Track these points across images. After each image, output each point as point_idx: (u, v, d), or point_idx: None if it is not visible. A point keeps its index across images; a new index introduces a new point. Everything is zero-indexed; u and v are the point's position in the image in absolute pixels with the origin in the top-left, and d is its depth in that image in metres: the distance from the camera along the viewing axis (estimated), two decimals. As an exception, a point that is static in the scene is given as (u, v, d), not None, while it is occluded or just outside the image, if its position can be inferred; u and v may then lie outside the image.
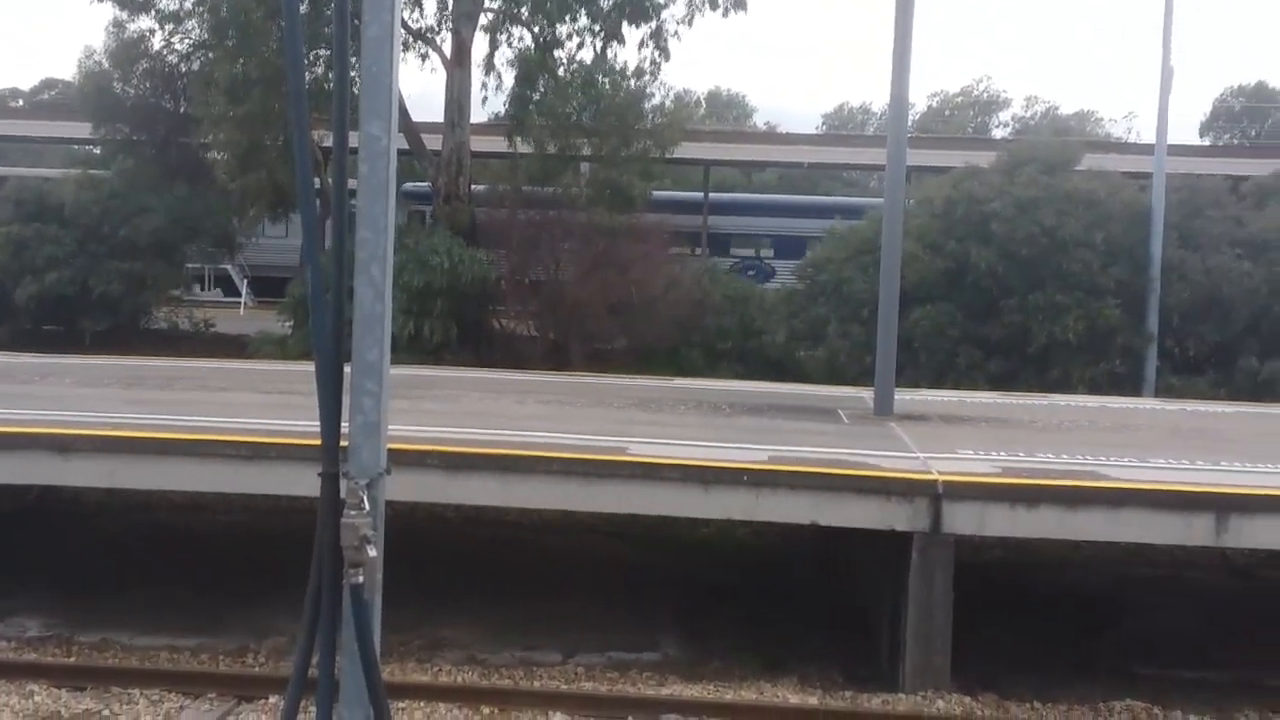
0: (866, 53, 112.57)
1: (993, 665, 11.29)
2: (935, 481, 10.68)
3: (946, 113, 68.00)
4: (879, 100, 71.34)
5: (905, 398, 15.95)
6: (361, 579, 4.89)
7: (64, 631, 11.87)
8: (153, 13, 27.08)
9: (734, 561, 15.17)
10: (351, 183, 5.04)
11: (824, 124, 71.94)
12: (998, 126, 66.45)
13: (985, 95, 68.87)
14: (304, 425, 11.31)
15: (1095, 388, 21.21)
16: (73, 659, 10.92)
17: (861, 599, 13.15)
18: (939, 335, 22.06)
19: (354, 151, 4.94)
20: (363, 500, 4.90)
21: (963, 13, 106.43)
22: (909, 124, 17.04)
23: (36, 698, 9.60)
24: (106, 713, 9.44)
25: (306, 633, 5.07)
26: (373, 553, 4.91)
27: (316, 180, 14.82)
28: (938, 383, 21.00)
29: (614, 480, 10.83)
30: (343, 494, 4.94)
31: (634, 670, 11.12)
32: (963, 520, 10.60)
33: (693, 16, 25.33)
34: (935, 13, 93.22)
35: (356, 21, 4.99)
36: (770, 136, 48.72)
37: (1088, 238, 22.08)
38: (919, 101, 65.95)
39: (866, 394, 15.94)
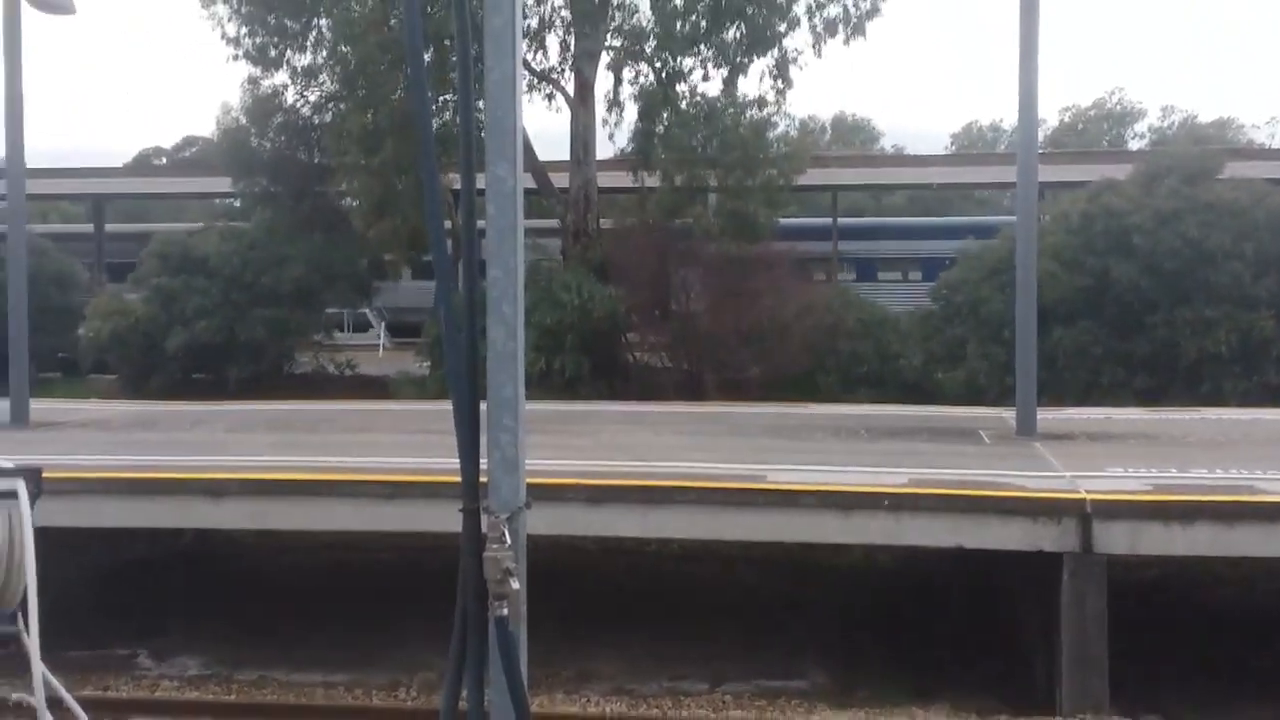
0: (994, 70, 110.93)
1: (1154, 687, 10.94)
2: (1084, 500, 10.41)
3: (1079, 127, 66.50)
4: (1009, 117, 70.21)
5: (1049, 417, 15.59)
6: (506, 611, 4.93)
7: (223, 670, 12.22)
8: (285, 68, 27.87)
9: (877, 587, 14.96)
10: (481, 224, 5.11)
11: (953, 144, 70.98)
12: (1133, 138, 64.72)
13: (1119, 107, 67.19)
14: (445, 463, 11.54)
15: (1249, 401, 20.48)
16: (233, 696, 11.22)
17: (1012, 622, 12.85)
18: (1082, 353, 21.57)
19: (481, 193, 5.02)
20: (504, 534, 4.95)
21: (1091, 25, 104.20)
22: (1040, 139, 16.74)
23: (200, 734, 9.90)
24: (266, 748, 9.68)
25: (454, 667, 5.12)
26: (516, 585, 4.94)
27: (448, 223, 15.13)
28: (1083, 401, 20.50)
29: (752, 508, 10.79)
30: (484, 529, 4.99)
31: (782, 698, 11.03)
32: (1114, 539, 10.31)
33: (819, 44, 25.36)
34: (1063, 26, 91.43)
35: (480, 66, 5.08)
36: (898, 159, 48.26)
37: (1235, 248, 21.39)
38: (1050, 117, 64.57)
39: (1008, 414, 15.62)
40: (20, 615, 5.07)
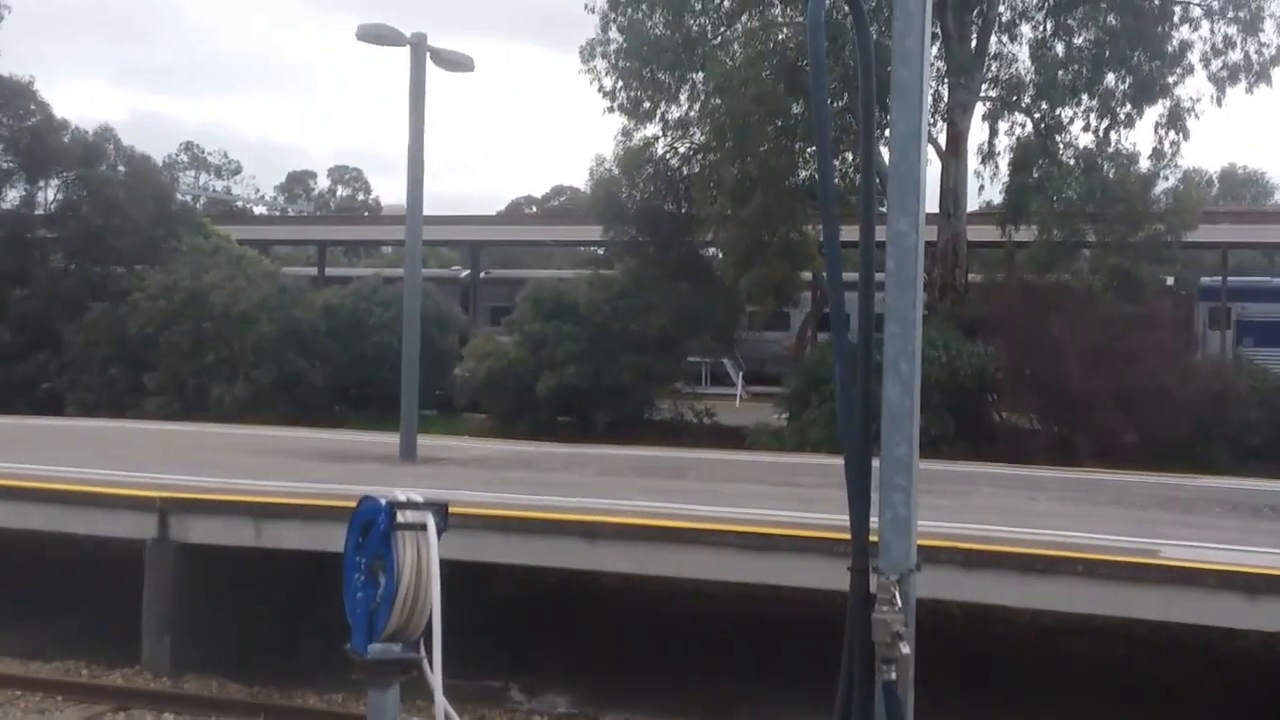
0: None
1: None
2: None
3: None
4: None
5: None
6: (894, 676, 4.78)
7: (590, 709, 12.44)
8: (658, 120, 28.63)
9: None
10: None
11: (1358, 199, 65.47)
12: None
13: None
14: (810, 517, 11.42)
15: None
16: (602, 738, 11.38)
17: None
18: None
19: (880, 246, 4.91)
20: (894, 596, 4.81)
21: None
22: None
23: (570, 773, 10.10)
24: (635, 791, 9.75)
25: (839, 727, 5.00)
26: (906, 650, 4.80)
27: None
28: None
29: (1144, 584, 10.07)
30: (872, 589, 4.88)
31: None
32: None
33: (1219, 94, 24.00)
34: None
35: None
36: (1296, 214, 44.90)
37: None
38: None
39: None
40: (422, 642, 5.28)
